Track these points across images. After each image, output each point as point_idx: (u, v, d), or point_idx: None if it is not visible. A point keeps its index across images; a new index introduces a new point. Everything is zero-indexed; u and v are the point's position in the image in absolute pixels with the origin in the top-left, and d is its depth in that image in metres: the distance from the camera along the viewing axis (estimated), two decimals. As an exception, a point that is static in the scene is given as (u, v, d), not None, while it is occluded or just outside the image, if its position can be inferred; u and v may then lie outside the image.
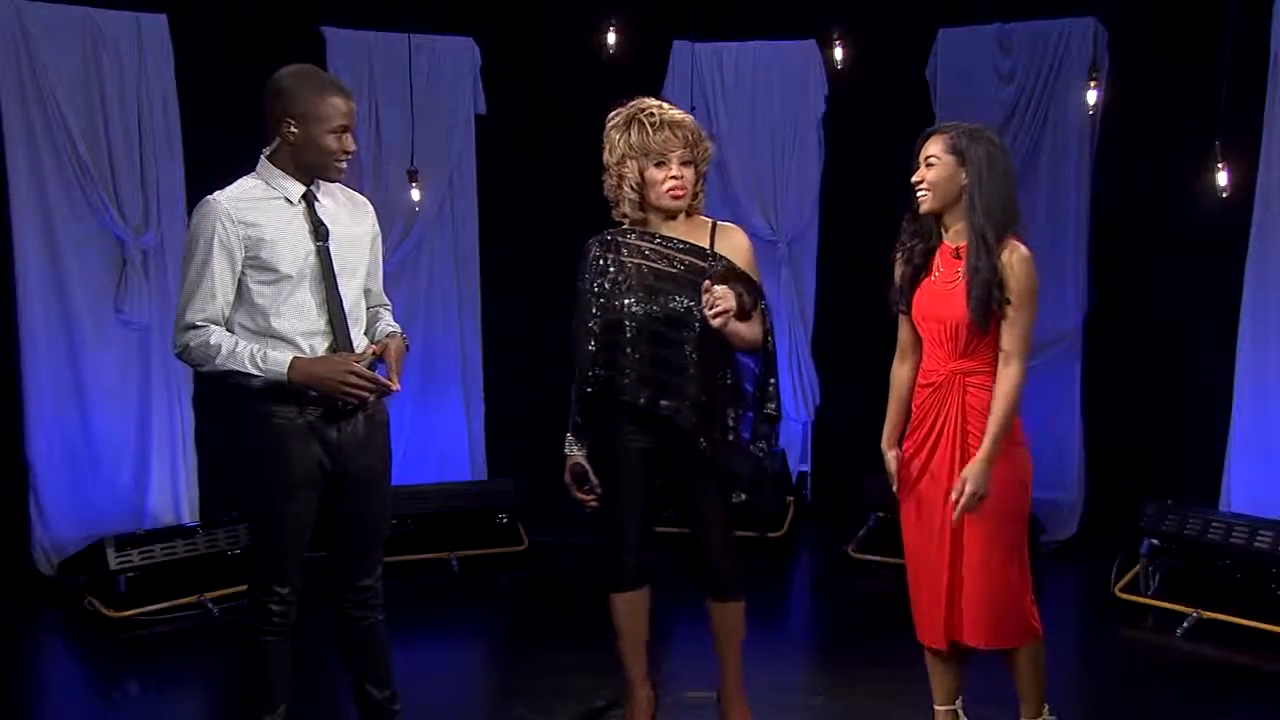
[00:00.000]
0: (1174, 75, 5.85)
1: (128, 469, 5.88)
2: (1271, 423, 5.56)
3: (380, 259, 3.54)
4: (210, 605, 5.38)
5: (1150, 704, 4.56)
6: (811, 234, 6.85)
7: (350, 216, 3.38)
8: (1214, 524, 5.28)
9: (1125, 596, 5.44)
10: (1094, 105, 5.62)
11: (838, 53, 6.36)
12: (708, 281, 3.46)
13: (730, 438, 3.61)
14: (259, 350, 3.18)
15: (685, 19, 6.26)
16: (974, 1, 6.41)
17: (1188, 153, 5.52)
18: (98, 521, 5.68)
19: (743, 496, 3.64)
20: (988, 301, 3.33)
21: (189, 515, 5.94)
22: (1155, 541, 5.38)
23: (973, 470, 3.37)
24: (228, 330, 3.23)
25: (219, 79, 5.69)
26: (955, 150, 3.37)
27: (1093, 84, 5.47)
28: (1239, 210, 5.50)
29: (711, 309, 3.41)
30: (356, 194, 3.49)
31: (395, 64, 6.15)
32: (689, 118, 3.66)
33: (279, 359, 3.17)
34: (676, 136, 3.57)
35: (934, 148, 3.42)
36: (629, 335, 3.59)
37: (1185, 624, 5.10)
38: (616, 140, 3.62)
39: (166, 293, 5.85)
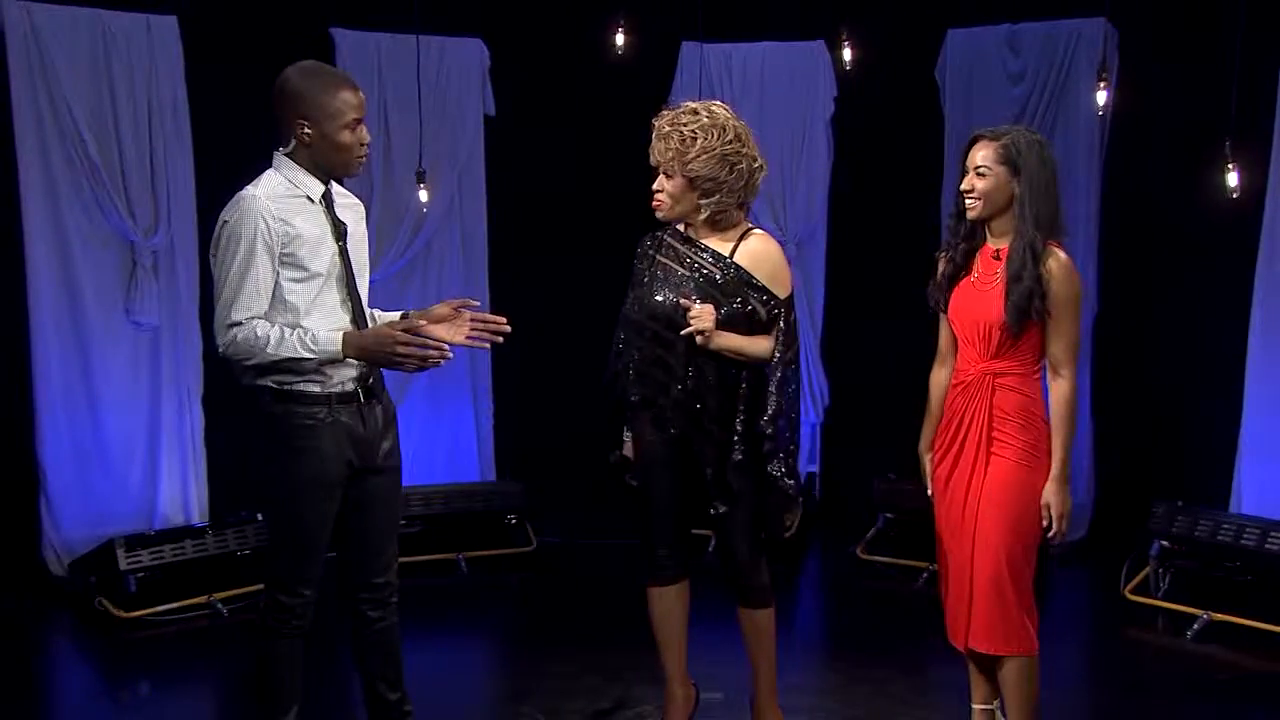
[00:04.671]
0: (1184, 75, 5.84)
1: (138, 470, 5.89)
2: (1282, 424, 5.54)
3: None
4: (220, 606, 5.39)
5: (1160, 707, 4.54)
6: (820, 235, 6.85)
7: (354, 216, 3.40)
8: (1224, 525, 5.26)
9: (1135, 598, 5.43)
10: (1103, 106, 5.59)
11: (846, 53, 6.36)
12: (683, 300, 3.53)
13: (738, 457, 3.57)
14: (306, 333, 3.17)
15: (694, 20, 6.26)
16: (983, 2, 6.40)
17: (1198, 153, 5.51)
18: (108, 522, 5.69)
19: (721, 509, 3.61)
20: (1027, 310, 3.33)
21: (199, 516, 5.95)
22: (1165, 543, 5.37)
23: (1050, 493, 3.38)
24: None
25: (229, 81, 5.70)
26: (1008, 161, 3.36)
27: (1102, 84, 5.44)
28: (1249, 211, 5.48)
29: (689, 326, 3.49)
30: (354, 196, 3.49)
31: (404, 65, 6.17)
32: (687, 129, 3.51)
33: (330, 337, 3.18)
34: (658, 149, 3.58)
35: (986, 157, 3.38)
36: (639, 333, 3.66)
37: (1196, 626, 5.09)
38: None
39: (176, 294, 5.86)
